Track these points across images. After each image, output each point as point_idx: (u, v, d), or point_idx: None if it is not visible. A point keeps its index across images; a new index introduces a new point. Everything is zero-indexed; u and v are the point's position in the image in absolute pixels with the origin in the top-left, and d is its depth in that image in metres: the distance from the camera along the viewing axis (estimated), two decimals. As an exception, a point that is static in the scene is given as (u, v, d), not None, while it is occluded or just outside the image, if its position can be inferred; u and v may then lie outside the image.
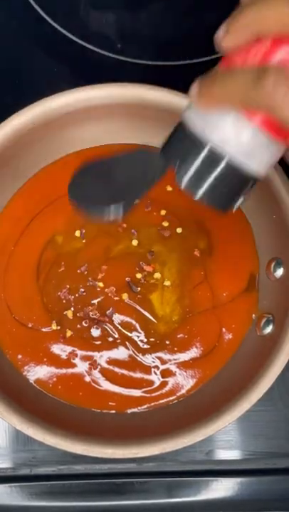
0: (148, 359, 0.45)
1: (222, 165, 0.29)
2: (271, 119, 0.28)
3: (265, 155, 0.30)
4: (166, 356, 0.45)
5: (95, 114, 0.43)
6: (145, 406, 0.44)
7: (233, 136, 0.28)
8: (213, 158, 0.29)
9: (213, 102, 0.28)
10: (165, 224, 0.47)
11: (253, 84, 0.26)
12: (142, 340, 0.45)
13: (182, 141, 0.30)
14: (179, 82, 0.44)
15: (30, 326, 0.45)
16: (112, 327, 0.45)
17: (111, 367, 0.45)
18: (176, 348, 0.45)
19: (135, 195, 0.31)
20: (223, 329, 0.46)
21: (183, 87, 0.43)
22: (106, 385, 0.44)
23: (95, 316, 0.45)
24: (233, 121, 0.28)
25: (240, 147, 0.29)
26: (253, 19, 0.27)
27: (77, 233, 0.46)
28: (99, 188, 0.32)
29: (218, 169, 0.29)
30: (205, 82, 0.29)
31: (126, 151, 0.32)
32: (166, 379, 0.45)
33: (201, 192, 0.30)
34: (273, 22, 0.27)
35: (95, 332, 0.45)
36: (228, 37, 0.28)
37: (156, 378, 0.45)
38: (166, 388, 0.44)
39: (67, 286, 0.45)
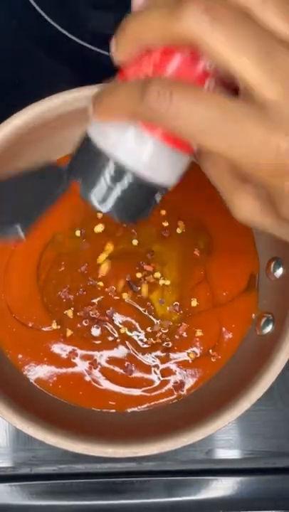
0: (148, 358, 0.45)
1: (126, 180, 0.28)
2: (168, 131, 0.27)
3: (169, 167, 0.29)
4: (166, 355, 0.45)
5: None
6: (145, 405, 0.44)
7: (134, 150, 0.28)
8: (117, 173, 0.28)
9: (105, 115, 0.28)
10: (165, 224, 0.47)
11: (138, 97, 0.25)
12: (141, 340, 0.45)
13: (86, 155, 0.30)
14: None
15: (30, 325, 0.45)
16: (112, 326, 0.45)
17: (111, 366, 0.45)
18: (176, 348, 0.45)
19: (36, 213, 0.31)
20: (223, 329, 0.46)
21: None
22: (106, 385, 0.44)
23: (95, 316, 0.45)
24: (133, 135, 0.27)
25: (143, 161, 0.28)
26: (137, 31, 0.26)
27: (78, 233, 0.47)
28: (4, 207, 0.31)
29: (123, 184, 0.29)
30: (97, 95, 0.28)
31: (35, 165, 0.32)
32: (166, 378, 0.45)
33: (108, 206, 0.30)
34: (158, 34, 0.25)
35: (95, 331, 0.45)
36: (118, 50, 0.28)
37: (156, 378, 0.45)
38: (166, 387, 0.45)
39: (68, 286, 0.46)
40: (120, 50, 0.28)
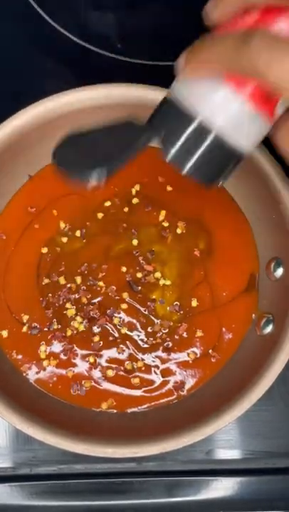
0: (148, 358, 0.45)
1: (210, 138, 0.29)
2: (259, 91, 0.27)
3: (252, 130, 0.29)
4: (166, 356, 0.45)
5: (95, 113, 0.43)
6: (145, 405, 0.44)
7: (221, 109, 0.28)
8: (201, 132, 0.28)
9: (199, 69, 0.28)
10: (165, 224, 0.47)
11: (238, 48, 0.26)
12: (142, 340, 0.45)
13: (169, 113, 0.30)
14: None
15: (30, 325, 0.45)
16: (112, 326, 0.45)
17: (111, 366, 0.45)
18: (176, 348, 0.45)
19: (118, 161, 0.30)
20: (223, 329, 0.46)
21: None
22: (106, 385, 0.44)
23: (95, 316, 0.45)
24: (222, 93, 0.28)
25: (229, 120, 0.28)
26: None
27: (78, 233, 0.47)
28: (83, 155, 0.31)
29: (206, 143, 0.29)
30: (192, 49, 0.29)
31: (112, 121, 0.32)
32: (167, 378, 0.45)
33: (187, 166, 0.30)
34: None
35: (96, 332, 0.45)
36: (216, 8, 0.29)
37: (156, 378, 0.45)
38: (167, 388, 0.45)
39: (68, 286, 0.46)
40: (220, 8, 0.29)
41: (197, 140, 0.29)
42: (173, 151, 0.29)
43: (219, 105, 0.28)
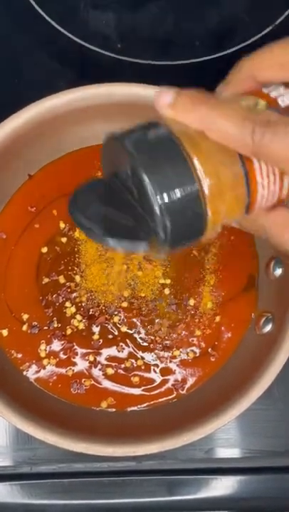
0: (148, 357, 0.45)
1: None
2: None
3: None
4: (166, 354, 0.45)
5: (95, 112, 0.43)
6: (145, 404, 0.44)
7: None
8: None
9: (192, 120, 0.27)
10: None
11: (247, 123, 0.26)
12: (142, 338, 0.45)
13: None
14: (179, 82, 0.44)
15: (30, 324, 0.45)
16: (112, 325, 0.45)
17: (111, 365, 0.45)
18: (175, 347, 0.45)
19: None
20: (223, 328, 0.46)
21: (182, 86, 0.43)
22: (106, 384, 0.44)
23: (95, 314, 0.45)
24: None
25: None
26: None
27: (78, 233, 0.47)
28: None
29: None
30: (189, 95, 0.28)
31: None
32: (166, 377, 0.45)
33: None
34: None
35: (95, 330, 0.45)
36: (227, 90, 0.30)
37: (156, 376, 0.45)
38: (166, 386, 0.45)
39: (67, 285, 0.46)
40: (179, 115, 0.27)
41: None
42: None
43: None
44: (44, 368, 0.45)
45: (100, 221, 0.29)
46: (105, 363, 0.45)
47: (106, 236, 0.28)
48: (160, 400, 0.44)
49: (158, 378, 0.45)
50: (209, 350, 0.45)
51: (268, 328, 0.44)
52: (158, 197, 0.25)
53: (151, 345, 0.45)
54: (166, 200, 0.26)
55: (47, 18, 0.53)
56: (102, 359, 0.45)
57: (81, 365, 0.45)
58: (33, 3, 0.53)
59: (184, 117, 0.27)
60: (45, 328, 0.45)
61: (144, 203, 0.26)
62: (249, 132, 0.26)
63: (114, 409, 0.44)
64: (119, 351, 0.45)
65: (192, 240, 0.28)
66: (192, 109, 0.27)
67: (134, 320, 0.45)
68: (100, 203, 0.29)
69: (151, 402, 0.44)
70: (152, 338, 0.45)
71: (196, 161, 0.26)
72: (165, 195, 0.26)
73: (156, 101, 0.28)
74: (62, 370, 0.45)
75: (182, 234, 0.27)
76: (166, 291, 0.46)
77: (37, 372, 0.45)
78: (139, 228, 0.28)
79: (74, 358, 0.45)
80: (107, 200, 0.29)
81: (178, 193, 0.26)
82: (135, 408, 0.44)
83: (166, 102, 0.27)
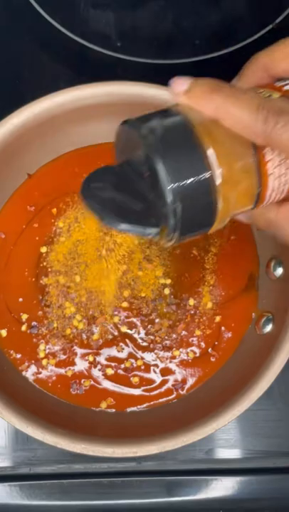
0: (148, 357, 0.45)
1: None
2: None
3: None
4: (166, 355, 0.45)
5: (95, 112, 0.43)
6: (145, 405, 0.44)
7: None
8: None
9: (225, 118, 0.27)
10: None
11: (260, 111, 0.26)
12: (141, 338, 0.45)
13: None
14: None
15: (29, 324, 0.45)
16: (112, 325, 0.45)
17: (111, 365, 0.45)
18: (175, 347, 0.45)
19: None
20: (223, 328, 0.46)
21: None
22: (106, 384, 0.44)
23: (95, 315, 0.45)
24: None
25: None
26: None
27: (77, 232, 0.46)
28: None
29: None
30: (222, 89, 0.28)
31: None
32: (166, 377, 0.45)
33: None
34: None
35: (95, 330, 0.45)
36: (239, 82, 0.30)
37: (155, 377, 0.45)
38: (166, 387, 0.44)
39: (67, 285, 0.45)
40: (194, 102, 0.28)
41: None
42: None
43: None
44: (43, 368, 0.45)
45: (112, 206, 0.29)
46: (105, 363, 0.45)
47: (118, 220, 0.28)
48: (160, 400, 0.44)
49: (158, 378, 0.45)
50: (209, 350, 0.45)
51: (269, 328, 0.43)
52: (170, 182, 0.26)
53: (151, 345, 0.45)
54: (178, 185, 0.26)
55: (47, 17, 0.53)
56: (101, 359, 0.45)
57: (81, 365, 0.45)
58: (33, 2, 0.53)
59: (199, 105, 0.27)
60: (45, 328, 0.45)
61: (156, 189, 0.27)
62: (262, 120, 0.26)
63: (113, 410, 0.44)
64: (118, 351, 0.45)
65: (201, 229, 0.28)
66: (207, 96, 0.27)
67: (134, 320, 0.45)
68: (112, 189, 0.30)
69: (151, 403, 0.44)
70: (152, 338, 0.45)
71: (209, 150, 0.26)
72: (177, 181, 0.26)
73: (172, 88, 0.28)
74: (62, 371, 0.45)
75: (192, 221, 0.27)
76: (166, 291, 0.46)
77: (36, 372, 0.45)
78: (151, 214, 0.28)
79: (73, 358, 0.45)
80: (120, 186, 0.30)
81: (190, 180, 0.26)
82: (135, 408, 0.44)
83: (182, 89, 0.28)
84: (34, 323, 0.45)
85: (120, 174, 0.30)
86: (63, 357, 0.45)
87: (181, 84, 0.28)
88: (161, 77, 0.44)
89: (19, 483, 0.47)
